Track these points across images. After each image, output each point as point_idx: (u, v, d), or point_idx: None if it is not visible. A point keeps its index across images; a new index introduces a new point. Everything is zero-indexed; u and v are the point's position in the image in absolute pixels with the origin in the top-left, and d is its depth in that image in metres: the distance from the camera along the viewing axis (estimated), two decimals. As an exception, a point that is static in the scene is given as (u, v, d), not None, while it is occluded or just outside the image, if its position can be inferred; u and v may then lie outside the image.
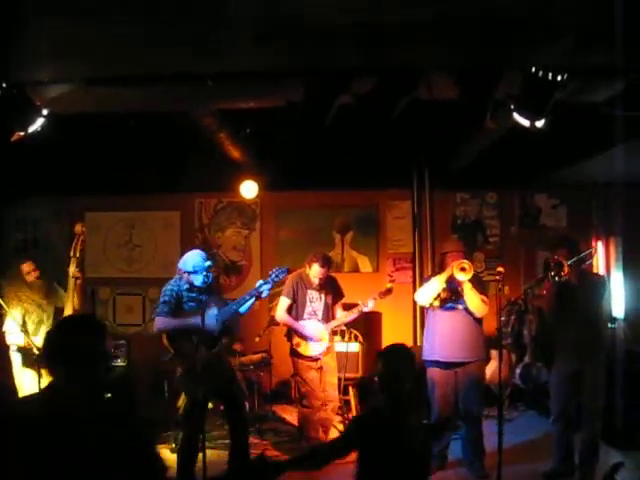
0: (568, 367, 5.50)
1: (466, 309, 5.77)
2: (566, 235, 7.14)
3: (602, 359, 5.55)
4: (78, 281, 5.83)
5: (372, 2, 3.57)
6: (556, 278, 5.29)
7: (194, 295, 5.42)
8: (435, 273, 6.05)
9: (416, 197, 8.93)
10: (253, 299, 5.58)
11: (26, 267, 5.99)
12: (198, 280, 5.35)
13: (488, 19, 3.75)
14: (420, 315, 8.69)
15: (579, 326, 5.44)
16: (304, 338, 6.32)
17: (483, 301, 5.75)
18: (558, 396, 5.62)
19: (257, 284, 5.57)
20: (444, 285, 5.78)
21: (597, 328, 5.57)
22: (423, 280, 6.25)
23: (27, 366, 5.65)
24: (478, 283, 5.87)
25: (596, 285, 5.65)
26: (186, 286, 5.41)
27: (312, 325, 6.36)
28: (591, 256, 5.70)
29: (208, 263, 5.42)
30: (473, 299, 5.71)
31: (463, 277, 5.67)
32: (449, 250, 5.96)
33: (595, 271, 8.00)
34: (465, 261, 5.71)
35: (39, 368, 5.02)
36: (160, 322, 5.40)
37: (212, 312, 5.33)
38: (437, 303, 5.84)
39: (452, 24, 3.84)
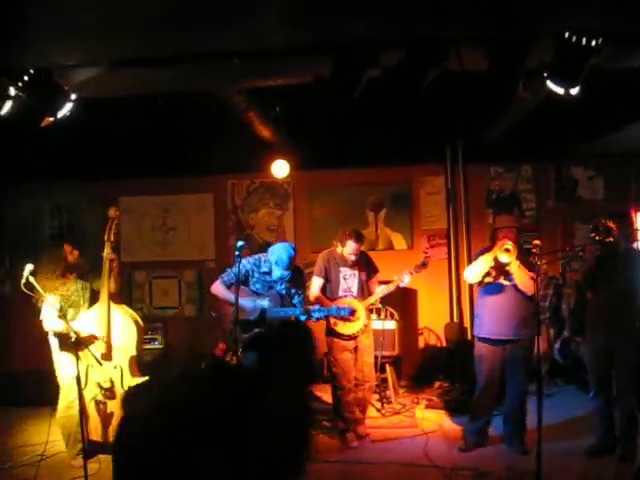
0: (599, 340, 5.41)
1: (515, 286, 5.71)
2: (619, 210, 7.00)
3: (635, 333, 5.43)
4: (114, 264, 5.86)
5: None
6: (597, 238, 5.19)
7: (266, 279, 5.59)
8: (485, 248, 5.99)
9: (449, 172, 8.82)
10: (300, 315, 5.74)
11: (67, 248, 6.06)
12: (276, 274, 5.65)
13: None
14: (457, 292, 8.64)
15: (613, 299, 5.35)
16: (340, 317, 6.26)
17: (532, 278, 5.66)
18: (593, 371, 5.55)
19: (314, 313, 5.70)
20: (492, 264, 5.74)
21: (632, 305, 5.44)
22: (473, 256, 6.17)
23: (64, 350, 5.70)
24: (527, 261, 5.78)
25: (637, 261, 5.53)
26: (264, 269, 5.63)
27: (346, 302, 6.29)
28: (637, 235, 5.61)
29: (291, 257, 5.71)
30: (522, 277, 5.63)
31: (506, 259, 5.61)
32: (501, 225, 5.90)
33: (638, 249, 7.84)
34: (509, 242, 5.63)
35: (76, 352, 5.05)
36: (215, 287, 5.86)
37: (262, 303, 5.46)
38: (488, 280, 5.78)
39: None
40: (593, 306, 5.58)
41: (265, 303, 5.51)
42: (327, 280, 6.33)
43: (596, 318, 5.50)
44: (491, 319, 5.76)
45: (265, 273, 5.64)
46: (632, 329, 5.43)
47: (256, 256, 5.76)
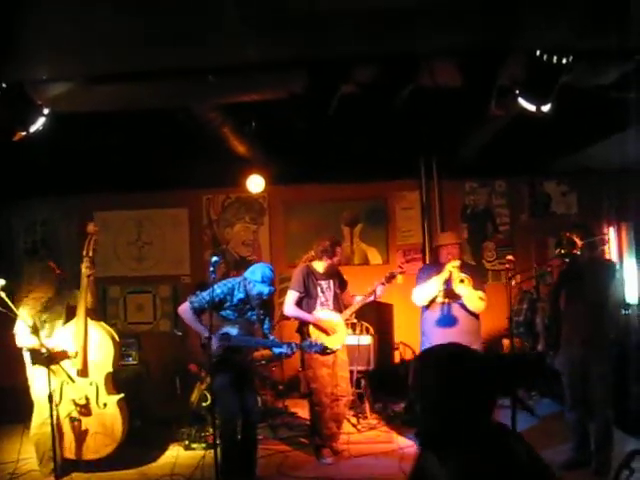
0: (575, 353, 5.45)
1: (462, 305, 5.80)
2: (580, 221, 7.10)
3: (608, 346, 5.48)
4: (90, 278, 5.84)
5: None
6: (566, 256, 5.25)
7: (240, 306, 5.53)
8: (430, 265, 6.08)
9: (424, 187, 8.88)
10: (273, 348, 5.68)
11: (52, 265, 6.02)
12: (264, 290, 5.45)
13: (490, 2, 3.70)
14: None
15: (586, 310, 5.39)
16: (323, 331, 6.26)
17: (481, 298, 5.78)
18: (568, 384, 5.58)
19: (277, 350, 5.58)
20: (442, 287, 5.85)
21: (604, 314, 5.49)
22: (418, 273, 6.20)
23: (37, 364, 5.64)
24: (478, 278, 5.87)
25: (605, 270, 5.59)
26: (240, 295, 5.46)
27: (327, 316, 6.32)
28: (603, 242, 5.65)
29: (273, 272, 5.58)
30: (472, 299, 5.78)
31: (464, 290, 5.75)
32: (443, 243, 6.00)
33: (607, 257, 7.91)
34: (464, 275, 5.76)
35: (49, 367, 5.00)
36: (183, 310, 5.52)
37: (232, 331, 5.37)
38: (438, 301, 5.86)
39: (453, 8, 3.78)
40: (567, 319, 5.62)
41: (234, 331, 5.41)
42: (306, 294, 6.32)
43: (570, 331, 5.54)
44: (438, 339, 5.78)
45: (240, 300, 5.52)
46: (606, 341, 5.48)
47: (231, 281, 5.58)
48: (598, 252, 5.64)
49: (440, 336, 5.77)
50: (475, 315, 5.88)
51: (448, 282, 5.81)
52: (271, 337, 5.74)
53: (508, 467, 2.19)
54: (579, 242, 5.22)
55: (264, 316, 5.70)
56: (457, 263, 5.81)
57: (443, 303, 5.88)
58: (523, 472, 2.22)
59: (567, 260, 5.31)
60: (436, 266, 6.02)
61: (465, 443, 2.23)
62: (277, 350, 5.52)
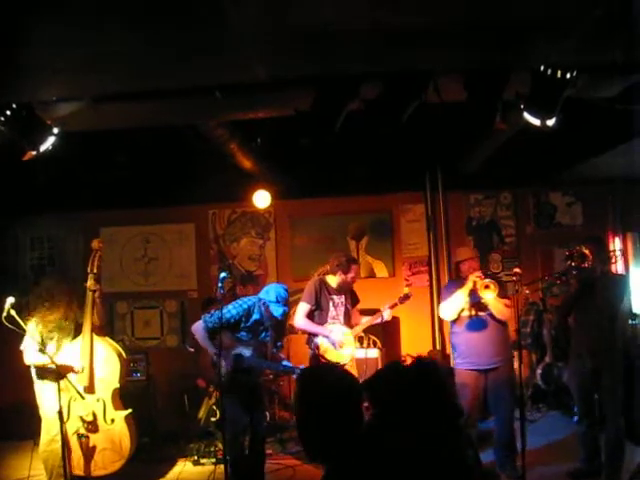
0: (585, 364, 5.46)
1: (490, 315, 5.82)
2: (593, 235, 7.11)
3: (619, 357, 5.49)
4: (96, 294, 5.87)
5: (376, 7, 3.55)
6: (573, 265, 5.26)
7: (254, 327, 5.55)
8: (453, 281, 6.10)
9: (429, 200, 8.89)
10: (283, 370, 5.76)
11: (64, 284, 6.06)
12: (278, 311, 5.45)
13: (494, 19, 3.73)
14: (438, 319, 8.66)
15: (597, 323, 5.40)
16: (332, 344, 6.29)
17: (507, 305, 5.79)
18: (578, 395, 5.58)
19: (297, 372, 5.52)
20: (467, 299, 5.86)
21: (615, 327, 5.50)
22: (442, 289, 6.25)
23: (44, 379, 5.66)
24: (500, 287, 5.89)
25: (617, 284, 5.61)
26: (257, 316, 5.48)
27: (338, 329, 6.34)
28: (615, 257, 5.67)
29: (287, 292, 5.61)
30: (498, 307, 5.79)
31: (490, 295, 5.76)
32: (462, 258, 6.03)
33: (615, 271, 7.92)
34: (488, 280, 5.81)
35: (58, 382, 5.02)
36: (197, 329, 5.54)
37: (245, 352, 5.40)
38: (465, 314, 5.88)
39: (458, 27, 3.82)
40: (577, 332, 5.63)
41: (247, 352, 5.41)
42: (317, 307, 6.34)
43: (581, 343, 5.56)
44: (470, 351, 5.84)
45: (256, 321, 5.52)
46: (617, 352, 5.48)
47: (246, 301, 5.58)
48: (610, 266, 5.64)
49: (472, 347, 5.81)
50: (503, 324, 5.88)
51: (473, 294, 5.83)
52: (283, 359, 5.76)
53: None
54: (590, 255, 5.24)
55: (277, 337, 5.72)
56: (479, 273, 5.86)
57: (471, 315, 5.90)
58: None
59: (578, 273, 5.33)
60: (459, 280, 6.05)
61: (337, 454, 2.34)
62: (295, 374, 5.53)
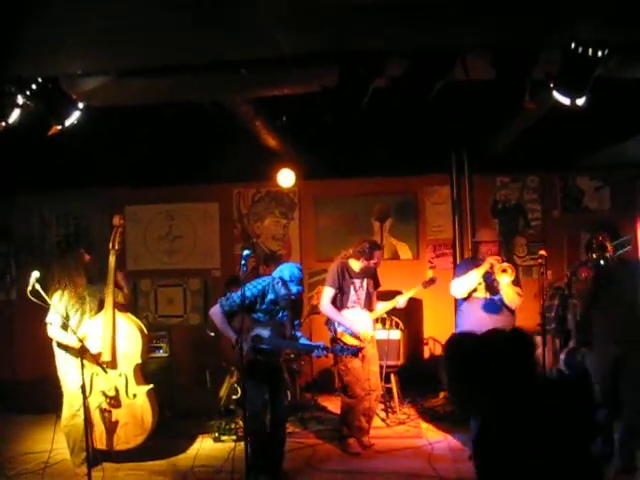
0: (608, 353, 5.38)
1: (500, 300, 5.77)
2: (606, 219, 7.02)
3: None
4: (122, 272, 5.93)
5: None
6: (600, 260, 5.18)
7: (270, 307, 5.52)
8: (468, 259, 6.08)
9: (455, 182, 8.81)
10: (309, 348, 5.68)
11: (83, 252, 6.10)
12: (293, 289, 5.44)
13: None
14: (462, 301, 8.63)
15: (620, 311, 5.32)
16: (351, 333, 6.28)
17: (518, 294, 5.76)
18: (600, 382, 5.51)
19: (315, 351, 5.53)
20: (480, 280, 5.85)
21: (637, 313, 5.42)
22: (457, 267, 6.21)
23: (67, 355, 5.72)
24: (515, 275, 5.85)
25: (634, 270, 5.49)
26: (272, 296, 5.48)
27: (358, 318, 6.32)
28: (630, 242, 5.57)
29: (302, 271, 5.59)
30: (510, 294, 5.78)
31: (507, 279, 5.75)
32: (483, 239, 6.02)
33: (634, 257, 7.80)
34: (506, 264, 5.81)
35: (82, 359, 5.06)
36: (214, 313, 5.50)
37: (264, 333, 5.39)
38: (476, 295, 5.84)
39: (487, 2, 3.75)
40: (600, 320, 5.55)
41: (265, 333, 5.41)
42: (339, 290, 6.33)
43: (604, 331, 5.48)
44: (476, 331, 5.76)
45: (271, 301, 5.52)
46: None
47: (261, 282, 5.55)
48: (626, 252, 5.55)
49: (478, 328, 5.75)
50: (511, 311, 5.86)
51: (488, 276, 5.81)
52: (302, 337, 5.74)
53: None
54: (610, 245, 5.16)
55: (294, 316, 5.72)
56: (497, 257, 5.85)
57: (483, 297, 5.87)
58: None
59: (595, 264, 5.26)
60: (475, 261, 6.04)
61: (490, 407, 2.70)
62: (314, 353, 5.53)
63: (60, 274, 5.84)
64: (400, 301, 6.47)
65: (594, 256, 5.22)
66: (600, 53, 4.06)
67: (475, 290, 5.89)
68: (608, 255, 5.17)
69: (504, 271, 5.74)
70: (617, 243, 5.26)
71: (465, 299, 5.99)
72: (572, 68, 4.20)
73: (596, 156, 7.85)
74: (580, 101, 4.36)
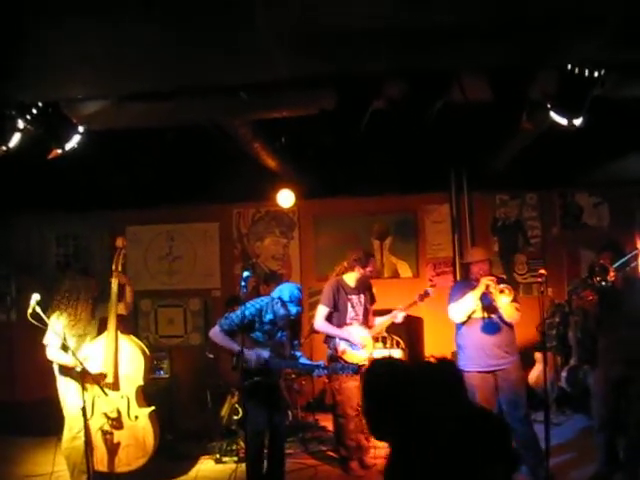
0: (614, 373, 5.37)
1: (499, 318, 5.80)
2: (610, 238, 7.01)
3: None
4: (125, 289, 5.94)
5: (402, 6, 3.53)
6: (602, 283, 5.18)
7: (269, 327, 5.52)
8: (462, 282, 6.08)
9: (454, 200, 8.83)
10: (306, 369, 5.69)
11: (93, 280, 6.12)
12: (292, 310, 5.45)
13: (520, 17, 3.69)
14: (462, 320, 8.62)
15: (624, 331, 5.32)
16: (350, 346, 6.27)
17: (517, 309, 5.75)
18: (604, 403, 5.49)
19: (316, 371, 5.56)
20: (478, 302, 5.83)
21: None
22: (451, 291, 6.17)
23: (68, 377, 5.71)
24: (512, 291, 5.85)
25: (638, 290, 5.49)
26: (269, 316, 5.48)
27: (357, 331, 6.32)
28: (636, 258, 5.57)
29: (301, 291, 5.61)
30: (508, 311, 5.77)
31: (506, 299, 5.73)
32: (474, 260, 5.97)
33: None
34: (504, 285, 5.79)
35: (83, 381, 5.06)
36: (214, 334, 5.52)
37: (263, 354, 5.38)
38: (475, 316, 5.85)
39: (483, 24, 3.78)
40: (606, 338, 5.55)
41: (266, 354, 5.41)
42: (335, 309, 6.32)
43: (609, 351, 5.47)
44: (478, 353, 5.76)
45: (270, 321, 5.52)
46: None
47: (259, 302, 5.56)
48: (631, 269, 5.55)
49: (480, 348, 5.76)
50: (511, 326, 5.84)
51: (485, 297, 5.79)
52: (301, 357, 5.74)
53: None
54: (612, 268, 5.17)
55: (293, 336, 5.72)
56: (492, 277, 5.82)
57: (482, 318, 5.85)
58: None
59: (597, 286, 5.26)
60: (468, 282, 6.00)
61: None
62: (315, 373, 5.52)
63: (69, 297, 5.83)
64: (399, 316, 6.47)
65: (597, 279, 5.22)
66: (597, 74, 4.10)
67: (473, 312, 5.86)
68: (611, 278, 5.17)
69: (502, 292, 5.73)
70: (620, 263, 5.27)
71: (464, 322, 5.96)
72: (569, 89, 4.24)
73: (595, 173, 7.88)
74: (577, 121, 4.39)
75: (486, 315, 5.84)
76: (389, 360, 3.34)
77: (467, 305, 5.84)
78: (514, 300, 5.81)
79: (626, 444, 5.35)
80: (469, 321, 5.90)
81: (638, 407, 5.27)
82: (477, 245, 8.06)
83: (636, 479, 5.27)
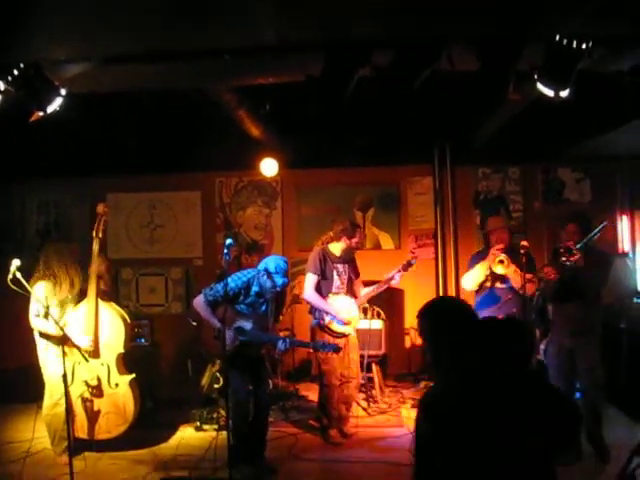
0: (562, 344, 5.46)
1: (509, 287, 5.94)
2: (578, 211, 7.07)
3: (596, 338, 5.46)
4: (105, 263, 5.91)
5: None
6: (567, 263, 5.23)
7: (254, 300, 5.51)
8: (480, 252, 6.22)
9: (437, 173, 8.86)
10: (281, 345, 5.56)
11: (76, 247, 6.08)
12: (279, 281, 5.43)
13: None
14: (443, 291, 8.67)
15: (576, 304, 5.38)
16: (338, 320, 6.26)
17: (530, 280, 5.72)
18: (558, 373, 5.55)
19: (278, 344, 5.47)
20: (487, 272, 5.98)
21: (594, 306, 5.49)
22: (468, 261, 6.28)
23: (49, 344, 5.68)
24: (528, 260, 5.81)
25: (600, 265, 5.49)
26: (256, 288, 5.47)
27: (345, 304, 6.31)
28: (605, 230, 5.61)
29: (287, 264, 5.58)
30: (517, 280, 5.81)
31: (502, 270, 5.88)
32: (492, 228, 6.11)
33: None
34: (501, 255, 5.89)
35: (63, 348, 5.04)
36: (197, 303, 5.52)
37: (246, 325, 5.39)
38: (486, 285, 6.02)
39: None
40: (559, 314, 5.63)
41: (248, 325, 5.41)
42: (322, 277, 6.31)
43: (560, 326, 5.56)
44: None
45: (256, 293, 5.52)
46: (597, 331, 5.49)
47: (246, 274, 5.54)
48: (595, 243, 5.60)
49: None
50: (520, 295, 5.86)
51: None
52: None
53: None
54: (575, 249, 5.20)
55: (276, 310, 5.72)
56: (500, 246, 5.93)
57: (492, 287, 5.99)
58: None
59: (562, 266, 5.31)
60: (485, 252, 6.14)
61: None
62: (277, 346, 5.49)
63: (57, 264, 5.78)
64: (397, 276, 6.43)
65: (562, 259, 5.26)
66: (584, 46, 4.09)
67: (486, 281, 6.02)
68: (575, 258, 5.21)
69: (500, 262, 5.86)
70: (587, 239, 5.31)
71: (477, 291, 6.12)
72: (556, 60, 4.23)
73: (577, 148, 7.89)
74: (564, 93, 4.40)
75: (497, 285, 5.95)
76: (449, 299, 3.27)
77: (475, 274, 6.02)
78: (529, 270, 5.77)
79: (584, 411, 5.42)
80: (481, 290, 6.07)
81: (585, 376, 5.37)
82: (495, 215, 8.02)
83: (596, 440, 5.40)
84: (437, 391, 2.82)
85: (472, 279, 6.07)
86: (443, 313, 2.94)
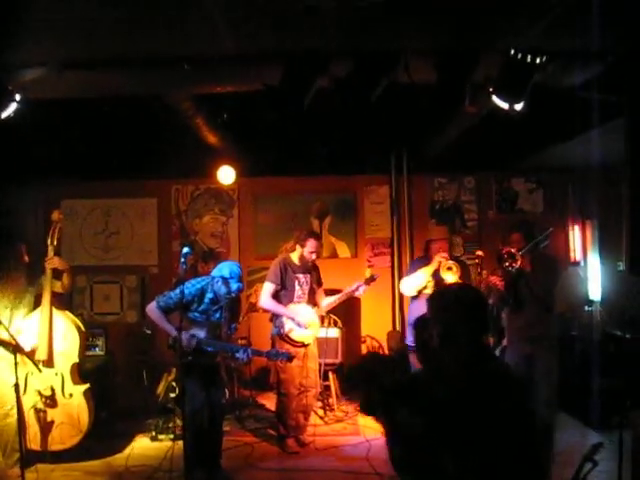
0: (523, 351, 5.51)
1: None
2: (522, 219, 7.23)
3: (553, 343, 5.53)
4: (65, 274, 5.84)
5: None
6: (510, 268, 5.31)
7: (208, 307, 5.46)
8: (420, 258, 6.22)
9: (394, 182, 8.93)
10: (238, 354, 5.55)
11: (23, 248, 5.96)
12: (233, 287, 5.39)
13: (467, 1, 3.73)
14: (399, 301, 8.73)
15: (530, 310, 5.46)
16: (297, 324, 6.27)
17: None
18: None
19: (238, 354, 5.43)
20: (430, 278, 5.98)
21: (547, 312, 5.56)
22: (409, 265, 6.33)
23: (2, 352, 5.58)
24: (463, 271, 5.95)
25: (548, 269, 5.59)
26: (210, 295, 5.43)
27: (304, 310, 6.32)
28: (548, 238, 5.74)
29: (241, 269, 5.53)
30: None
31: (451, 277, 5.89)
32: (434, 237, 6.19)
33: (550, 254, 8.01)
34: (451, 262, 5.94)
35: (15, 357, 4.95)
36: (151, 310, 5.45)
37: (200, 334, 5.36)
38: (426, 292, 5.96)
39: (430, 7, 3.81)
40: (513, 321, 5.69)
41: (202, 333, 5.38)
42: (283, 287, 6.31)
43: (519, 331, 5.61)
44: None
45: (210, 300, 5.48)
46: (550, 338, 5.54)
47: (200, 281, 5.50)
48: (542, 249, 5.71)
49: None
50: None
51: (437, 274, 5.93)
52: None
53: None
54: (518, 255, 5.29)
55: (231, 318, 5.68)
56: (445, 254, 5.99)
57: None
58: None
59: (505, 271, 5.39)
60: (426, 260, 6.16)
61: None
62: (237, 355, 5.47)
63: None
64: (361, 289, 6.46)
65: (506, 264, 5.35)
66: (538, 60, 4.18)
67: (425, 287, 6.01)
68: (517, 264, 5.30)
69: (449, 269, 5.91)
70: (531, 245, 5.40)
71: (415, 297, 6.11)
72: (511, 73, 4.32)
73: (531, 159, 8.04)
74: (518, 106, 4.48)
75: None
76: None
77: (417, 279, 6.01)
78: (468, 280, 5.90)
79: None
80: (420, 296, 6.02)
81: (543, 385, 5.44)
82: (437, 225, 8.16)
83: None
84: (424, 377, 2.86)
85: (413, 284, 6.06)
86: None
